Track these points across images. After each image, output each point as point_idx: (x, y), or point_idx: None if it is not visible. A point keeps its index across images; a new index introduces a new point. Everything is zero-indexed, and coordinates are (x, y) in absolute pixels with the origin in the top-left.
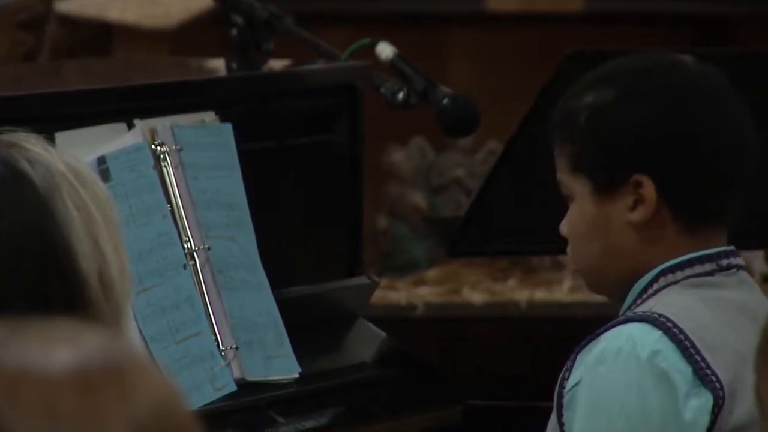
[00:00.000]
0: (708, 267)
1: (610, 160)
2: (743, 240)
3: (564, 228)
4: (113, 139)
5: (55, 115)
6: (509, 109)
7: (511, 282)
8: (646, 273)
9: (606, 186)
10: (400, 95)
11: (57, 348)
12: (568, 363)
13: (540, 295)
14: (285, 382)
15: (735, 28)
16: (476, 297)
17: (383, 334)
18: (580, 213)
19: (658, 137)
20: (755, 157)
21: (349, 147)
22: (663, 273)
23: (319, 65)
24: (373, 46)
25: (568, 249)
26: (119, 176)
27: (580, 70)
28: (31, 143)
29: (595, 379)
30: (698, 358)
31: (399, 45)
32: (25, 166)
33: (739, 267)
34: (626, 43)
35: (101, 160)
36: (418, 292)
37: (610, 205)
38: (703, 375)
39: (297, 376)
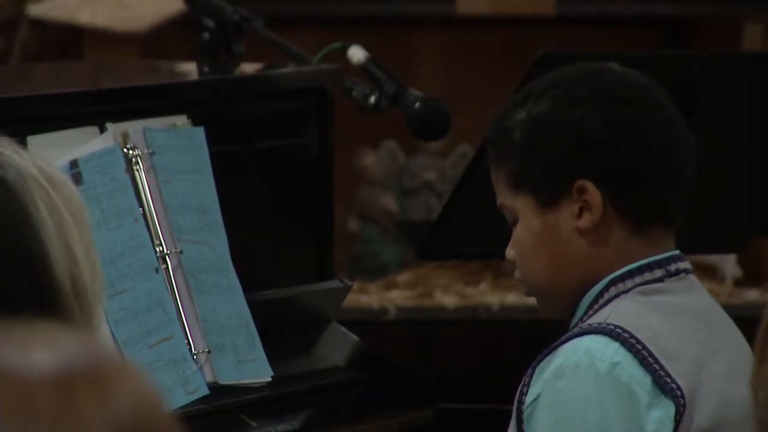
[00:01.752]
0: (657, 273)
1: (551, 171)
2: (715, 244)
3: (510, 252)
4: (85, 143)
5: (27, 119)
6: (480, 112)
7: (483, 285)
8: (598, 282)
9: (550, 197)
10: (372, 99)
11: (36, 349)
12: (526, 378)
13: (512, 298)
14: (257, 385)
15: (699, 30)
16: (448, 300)
17: (355, 337)
18: (526, 230)
19: (597, 140)
20: (694, 155)
21: (320, 150)
22: (613, 282)
23: (290, 68)
24: (344, 49)
25: (517, 272)
26: (91, 180)
27: (552, 72)
28: (2, 146)
29: (555, 395)
30: (657, 367)
31: (369, 47)
32: None
33: (687, 271)
34: (597, 46)
35: (73, 164)
36: (389, 296)
37: (555, 216)
38: (663, 384)
39: (269, 379)
